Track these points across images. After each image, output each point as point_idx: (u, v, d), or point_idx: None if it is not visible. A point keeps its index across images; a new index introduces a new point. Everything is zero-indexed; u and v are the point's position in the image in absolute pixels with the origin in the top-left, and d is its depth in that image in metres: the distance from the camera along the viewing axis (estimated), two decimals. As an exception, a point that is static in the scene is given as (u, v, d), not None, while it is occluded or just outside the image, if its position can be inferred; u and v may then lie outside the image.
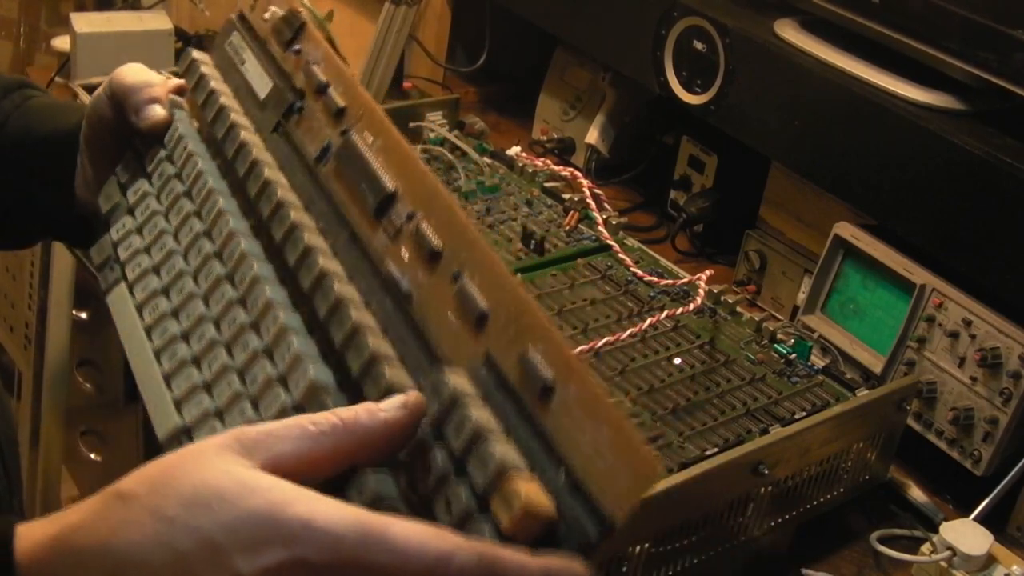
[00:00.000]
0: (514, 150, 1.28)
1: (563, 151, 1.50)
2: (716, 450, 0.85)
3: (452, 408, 0.47)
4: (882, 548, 0.92)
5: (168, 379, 0.59)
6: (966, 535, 0.88)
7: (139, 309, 0.64)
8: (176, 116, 0.73)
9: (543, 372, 0.46)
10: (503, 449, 0.45)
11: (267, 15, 0.75)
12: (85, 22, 1.52)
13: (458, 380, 0.48)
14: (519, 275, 1.04)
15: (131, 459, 1.46)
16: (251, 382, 0.55)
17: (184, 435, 0.55)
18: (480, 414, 0.47)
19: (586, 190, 1.16)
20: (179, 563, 0.43)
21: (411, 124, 1.28)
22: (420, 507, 0.47)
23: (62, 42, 1.66)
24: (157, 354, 0.61)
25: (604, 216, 1.14)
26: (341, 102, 0.65)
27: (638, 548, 0.77)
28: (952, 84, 1.03)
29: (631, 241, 1.15)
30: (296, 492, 0.44)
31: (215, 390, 0.57)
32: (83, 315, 1.51)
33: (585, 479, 0.44)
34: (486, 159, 1.26)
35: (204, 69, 0.75)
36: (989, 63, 0.97)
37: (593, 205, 1.15)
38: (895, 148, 1.02)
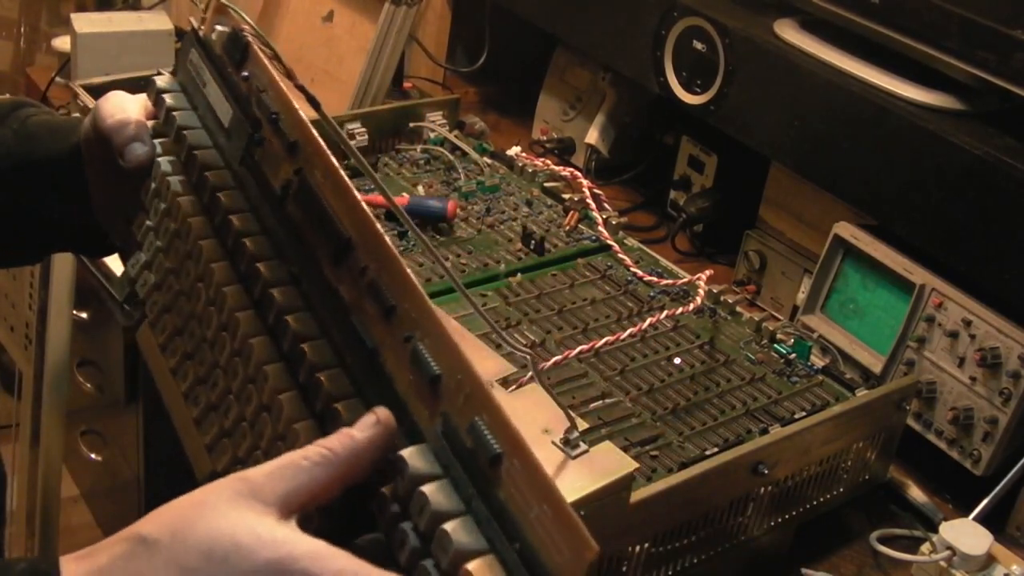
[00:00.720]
0: (514, 150, 1.28)
1: (563, 151, 1.50)
2: (716, 450, 0.85)
3: (412, 489, 0.50)
4: (882, 548, 0.92)
5: (198, 424, 0.62)
6: (966, 535, 0.88)
7: (162, 349, 0.66)
8: (157, 151, 0.73)
9: (491, 443, 0.49)
10: (460, 534, 0.48)
11: (214, 34, 0.72)
12: (85, 22, 1.52)
13: (415, 460, 0.51)
14: (519, 275, 1.04)
15: (131, 459, 1.46)
16: (258, 436, 0.58)
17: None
18: (438, 497, 0.49)
19: (586, 190, 1.16)
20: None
21: (411, 124, 1.28)
22: None
23: (62, 42, 1.67)
24: (185, 396, 0.64)
25: (604, 216, 1.14)
26: (291, 136, 0.63)
27: (638, 548, 0.77)
28: (952, 84, 1.03)
29: (631, 241, 1.15)
30: (305, 546, 0.48)
31: (234, 438, 0.60)
32: (83, 315, 1.51)
33: (535, 553, 0.46)
34: (486, 159, 1.26)
35: (169, 100, 0.73)
36: (989, 63, 0.97)
37: (593, 205, 1.15)
38: (895, 148, 1.02)
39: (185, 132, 0.71)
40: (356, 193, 0.59)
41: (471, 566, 0.47)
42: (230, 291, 0.63)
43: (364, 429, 0.52)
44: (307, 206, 0.61)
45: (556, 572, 0.46)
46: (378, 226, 0.56)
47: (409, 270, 0.55)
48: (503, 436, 0.49)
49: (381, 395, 0.55)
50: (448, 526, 0.48)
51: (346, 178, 0.59)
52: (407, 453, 0.51)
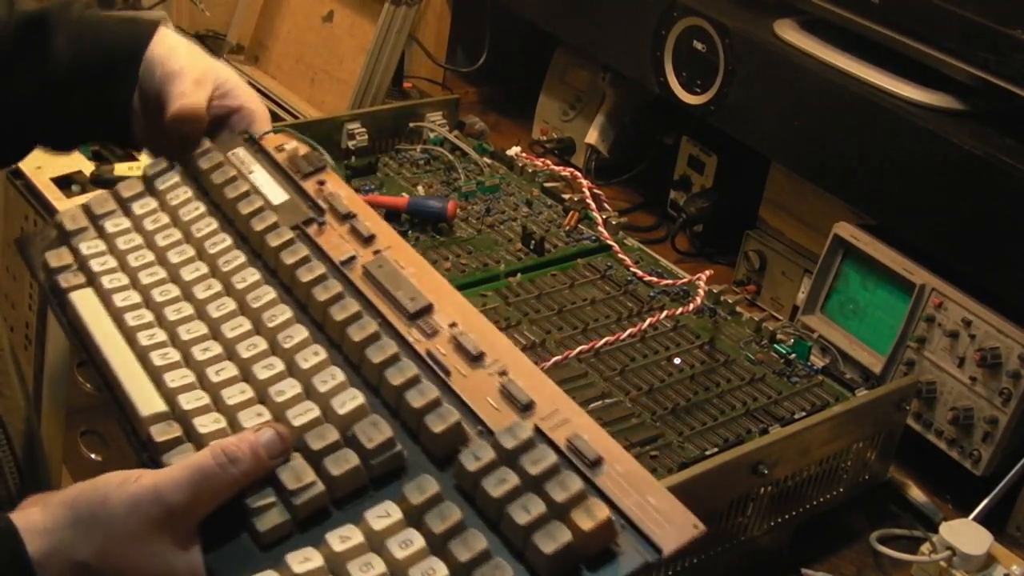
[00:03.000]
0: (514, 150, 1.28)
1: (563, 151, 1.50)
2: (716, 450, 0.85)
3: (527, 448, 0.54)
4: (882, 548, 0.92)
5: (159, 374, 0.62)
6: (966, 535, 0.88)
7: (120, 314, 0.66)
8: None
9: (590, 447, 0.55)
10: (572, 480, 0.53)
11: (284, 146, 0.76)
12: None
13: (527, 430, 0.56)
14: (519, 275, 1.04)
15: (131, 459, 1.46)
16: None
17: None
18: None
19: (586, 190, 1.16)
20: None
21: (411, 124, 1.28)
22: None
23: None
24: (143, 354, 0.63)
25: (604, 216, 1.14)
26: (371, 231, 0.68)
27: (638, 548, 0.77)
28: (952, 84, 1.03)
29: (631, 241, 1.15)
30: None
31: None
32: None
33: (638, 527, 0.53)
34: (486, 159, 1.26)
35: (220, 157, 0.76)
36: (989, 63, 0.97)
37: (593, 205, 1.15)
38: (895, 148, 1.02)
39: (241, 181, 0.74)
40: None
41: (594, 504, 0.52)
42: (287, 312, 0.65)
43: (263, 435, 0.56)
44: (381, 274, 0.65)
45: (661, 539, 0.51)
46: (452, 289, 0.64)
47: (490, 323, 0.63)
48: (603, 447, 0.55)
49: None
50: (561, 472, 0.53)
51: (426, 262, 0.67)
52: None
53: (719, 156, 1.31)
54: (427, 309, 0.62)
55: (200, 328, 0.64)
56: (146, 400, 0.60)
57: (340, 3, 1.48)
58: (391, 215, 1.11)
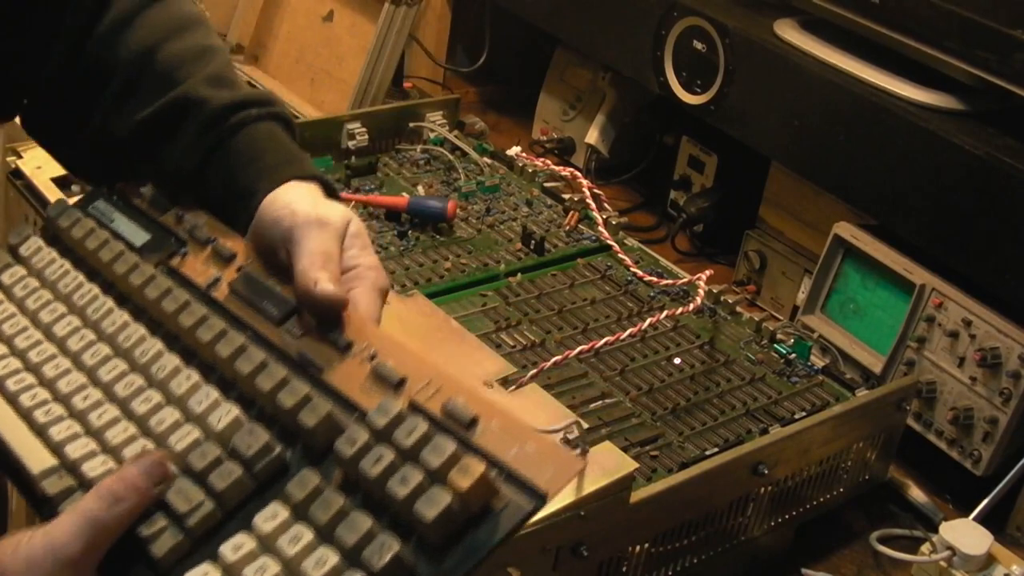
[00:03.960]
0: (514, 150, 1.28)
1: (563, 151, 1.50)
2: (716, 450, 0.85)
3: (398, 422, 0.55)
4: (882, 548, 0.92)
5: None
6: (966, 535, 0.88)
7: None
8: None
9: (467, 410, 0.55)
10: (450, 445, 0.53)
11: (144, 189, 0.76)
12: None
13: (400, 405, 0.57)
14: (519, 275, 1.04)
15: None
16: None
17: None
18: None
19: (586, 190, 1.16)
20: None
21: (411, 124, 1.28)
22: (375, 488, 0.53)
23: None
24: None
25: (604, 216, 1.14)
26: (232, 251, 0.69)
27: (638, 548, 0.77)
28: (952, 84, 1.03)
29: (631, 241, 1.15)
30: None
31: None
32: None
33: (520, 477, 0.52)
34: (486, 159, 1.26)
35: (79, 214, 0.75)
36: (989, 63, 0.97)
37: (593, 205, 1.15)
38: (895, 148, 1.02)
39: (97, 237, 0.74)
40: None
41: (470, 461, 0.52)
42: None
43: (141, 464, 0.56)
44: (248, 288, 0.66)
45: (544, 485, 0.51)
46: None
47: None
48: (479, 406, 0.55)
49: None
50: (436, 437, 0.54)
51: None
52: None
53: (719, 156, 1.31)
54: (292, 312, 0.63)
55: (79, 379, 0.65)
56: (35, 458, 0.61)
57: (340, 3, 1.48)
58: (391, 215, 1.11)
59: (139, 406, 0.62)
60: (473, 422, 0.54)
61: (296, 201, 0.67)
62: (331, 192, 0.72)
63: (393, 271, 1.01)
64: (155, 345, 0.65)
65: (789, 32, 1.15)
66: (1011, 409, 0.94)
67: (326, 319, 0.62)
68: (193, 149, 0.72)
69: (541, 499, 0.51)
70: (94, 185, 0.78)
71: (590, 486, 0.70)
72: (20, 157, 1.20)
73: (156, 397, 0.62)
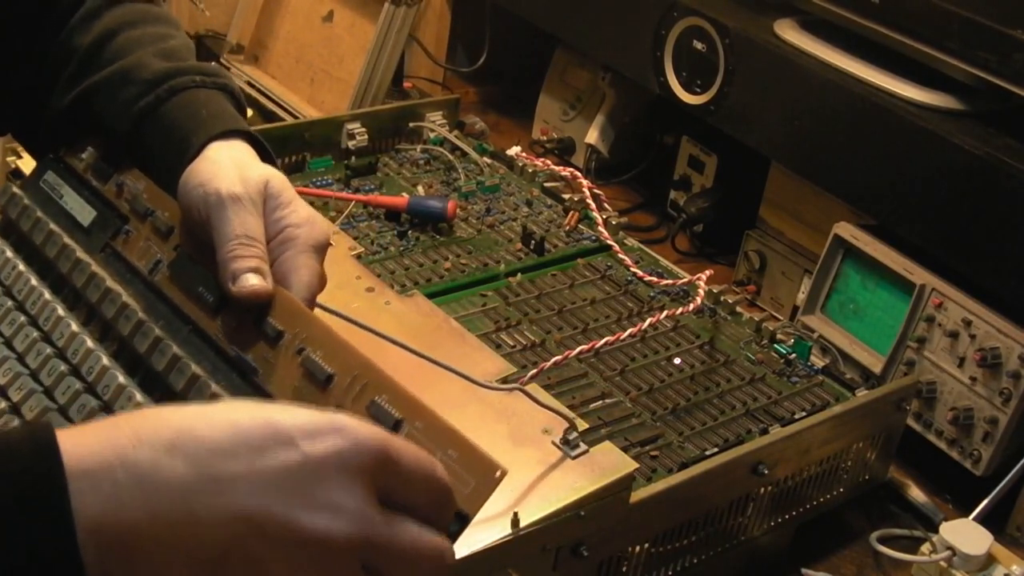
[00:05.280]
0: (514, 150, 1.28)
1: (563, 151, 1.50)
2: (716, 450, 0.85)
3: None
4: (882, 548, 0.92)
5: None
6: (966, 535, 0.88)
7: None
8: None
9: (391, 412, 0.54)
10: None
11: (84, 154, 0.76)
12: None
13: None
14: (519, 275, 1.04)
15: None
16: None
17: None
18: None
19: (586, 190, 1.16)
20: (240, 436, 0.45)
21: (411, 124, 1.28)
22: None
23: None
24: None
25: (604, 216, 1.14)
26: (170, 224, 0.69)
27: (638, 548, 0.77)
28: (952, 84, 1.03)
29: (631, 241, 1.15)
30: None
31: None
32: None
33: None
34: (486, 159, 1.26)
35: (26, 201, 0.76)
36: (989, 63, 0.97)
37: (593, 205, 1.15)
38: (895, 148, 1.02)
39: (45, 221, 0.75)
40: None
41: None
42: (90, 341, 0.67)
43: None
44: (184, 271, 0.66)
45: (465, 503, 0.50)
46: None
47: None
48: (404, 406, 0.54)
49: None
50: None
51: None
52: None
53: (719, 156, 1.31)
54: (225, 300, 0.63)
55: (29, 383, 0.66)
56: None
57: (340, 3, 1.48)
58: (391, 215, 1.11)
59: (75, 413, 0.63)
60: (397, 425, 0.53)
61: (213, 174, 0.65)
62: (264, 152, 0.72)
63: (393, 271, 1.01)
64: (100, 360, 0.65)
65: (789, 32, 1.15)
66: (1011, 409, 0.94)
67: (253, 310, 0.62)
68: (131, 107, 0.72)
69: (462, 520, 0.50)
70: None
71: (590, 486, 0.70)
72: (20, 157, 1.20)
73: (92, 402, 0.63)
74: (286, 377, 0.59)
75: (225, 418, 0.46)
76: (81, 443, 0.44)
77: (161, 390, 0.63)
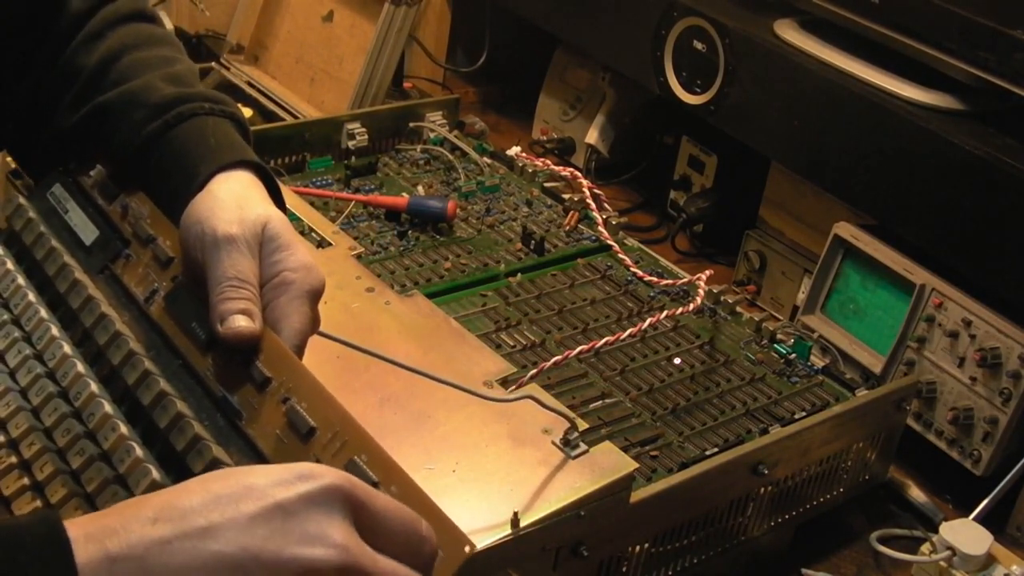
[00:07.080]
0: (514, 150, 1.28)
1: (563, 151, 1.50)
2: (716, 450, 0.85)
3: None
4: (882, 548, 0.92)
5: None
6: (966, 535, 0.88)
7: None
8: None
9: (368, 473, 0.55)
10: None
11: (92, 172, 0.76)
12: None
13: None
14: (519, 275, 1.04)
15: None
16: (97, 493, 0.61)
17: None
18: None
19: (586, 190, 1.16)
20: (216, 495, 0.48)
21: (411, 124, 1.28)
22: None
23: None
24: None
25: (604, 216, 1.14)
26: (170, 254, 0.69)
27: (638, 548, 0.77)
28: (952, 84, 1.03)
29: (631, 241, 1.15)
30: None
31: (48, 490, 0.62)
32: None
33: None
34: (486, 159, 1.26)
35: (31, 213, 0.76)
36: (989, 63, 0.97)
37: (593, 205, 1.15)
38: (895, 148, 1.02)
39: (47, 236, 0.74)
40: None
41: None
42: (81, 366, 0.66)
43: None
44: (180, 304, 0.66)
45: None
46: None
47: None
48: (381, 468, 0.55)
49: (241, 451, 0.59)
50: None
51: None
52: None
53: (719, 156, 1.32)
54: (215, 339, 0.63)
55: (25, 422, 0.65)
56: None
57: (340, 3, 1.48)
58: (391, 215, 1.11)
59: (59, 437, 0.63)
60: (375, 486, 0.54)
61: (212, 212, 0.65)
62: (271, 184, 0.71)
63: (393, 271, 1.01)
64: (87, 387, 0.65)
65: (789, 32, 1.15)
66: (1011, 409, 0.94)
67: (241, 352, 0.62)
68: (139, 130, 0.72)
69: None
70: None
71: (590, 486, 0.70)
72: (20, 157, 1.20)
73: (77, 427, 0.63)
74: (269, 424, 0.59)
75: (201, 486, 0.49)
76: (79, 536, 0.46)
77: (145, 424, 0.62)
